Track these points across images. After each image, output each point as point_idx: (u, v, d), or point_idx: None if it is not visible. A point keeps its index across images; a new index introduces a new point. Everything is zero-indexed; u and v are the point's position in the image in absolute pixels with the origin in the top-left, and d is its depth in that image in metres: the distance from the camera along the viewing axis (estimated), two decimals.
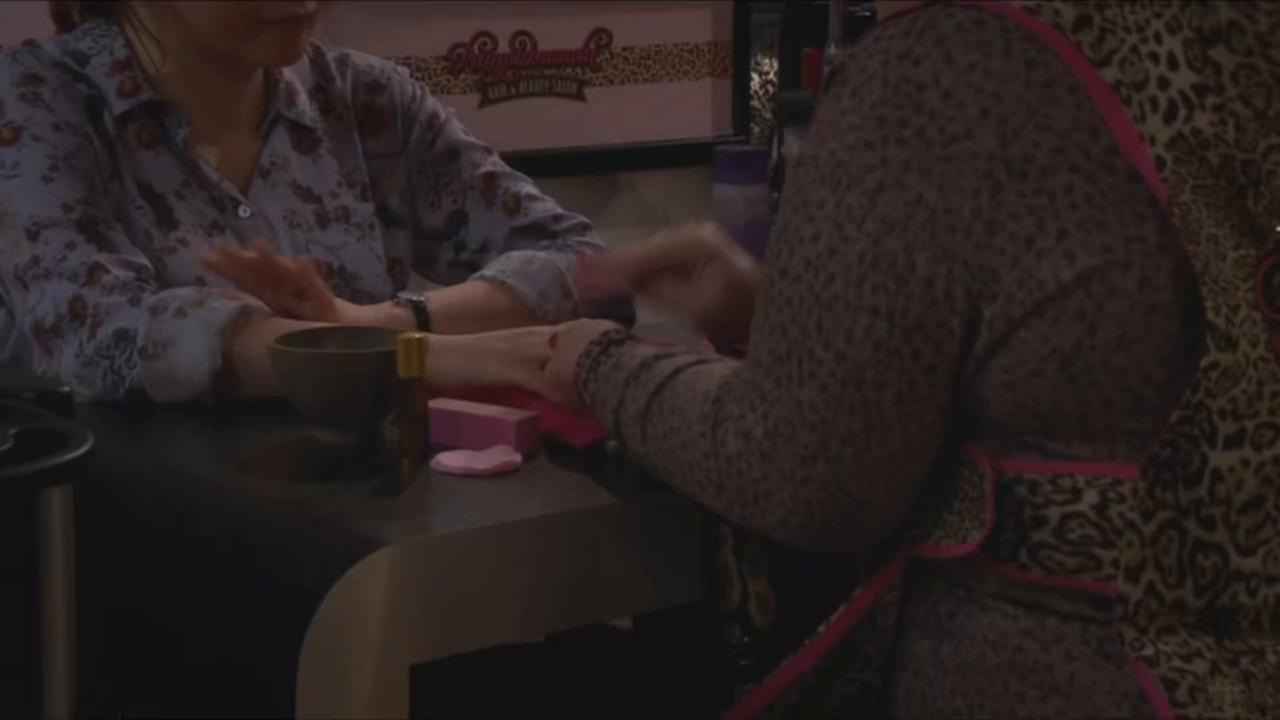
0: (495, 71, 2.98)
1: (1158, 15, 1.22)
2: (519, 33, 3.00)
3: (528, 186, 2.03)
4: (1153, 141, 1.19)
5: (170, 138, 1.88)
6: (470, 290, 1.89)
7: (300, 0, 1.83)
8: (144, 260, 1.78)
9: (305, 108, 1.97)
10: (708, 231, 1.73)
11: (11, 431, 1.19)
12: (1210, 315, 1.19)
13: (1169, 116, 1.20)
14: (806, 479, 1.25)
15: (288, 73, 1.97)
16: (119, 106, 1.85)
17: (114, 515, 1.48)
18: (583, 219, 2.02)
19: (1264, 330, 1.22)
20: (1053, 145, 1.18)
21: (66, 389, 1.33)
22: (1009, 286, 1.20)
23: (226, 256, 1.73)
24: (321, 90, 2.00)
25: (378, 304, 1.86)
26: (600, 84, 3.07)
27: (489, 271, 1.91)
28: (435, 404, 1.61)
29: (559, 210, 2.02)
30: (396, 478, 1.53)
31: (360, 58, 2.05)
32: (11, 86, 1.81)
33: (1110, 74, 1.19)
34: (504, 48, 2.97)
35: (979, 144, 1.18)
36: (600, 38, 3.05)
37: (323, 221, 1.94)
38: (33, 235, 1.75)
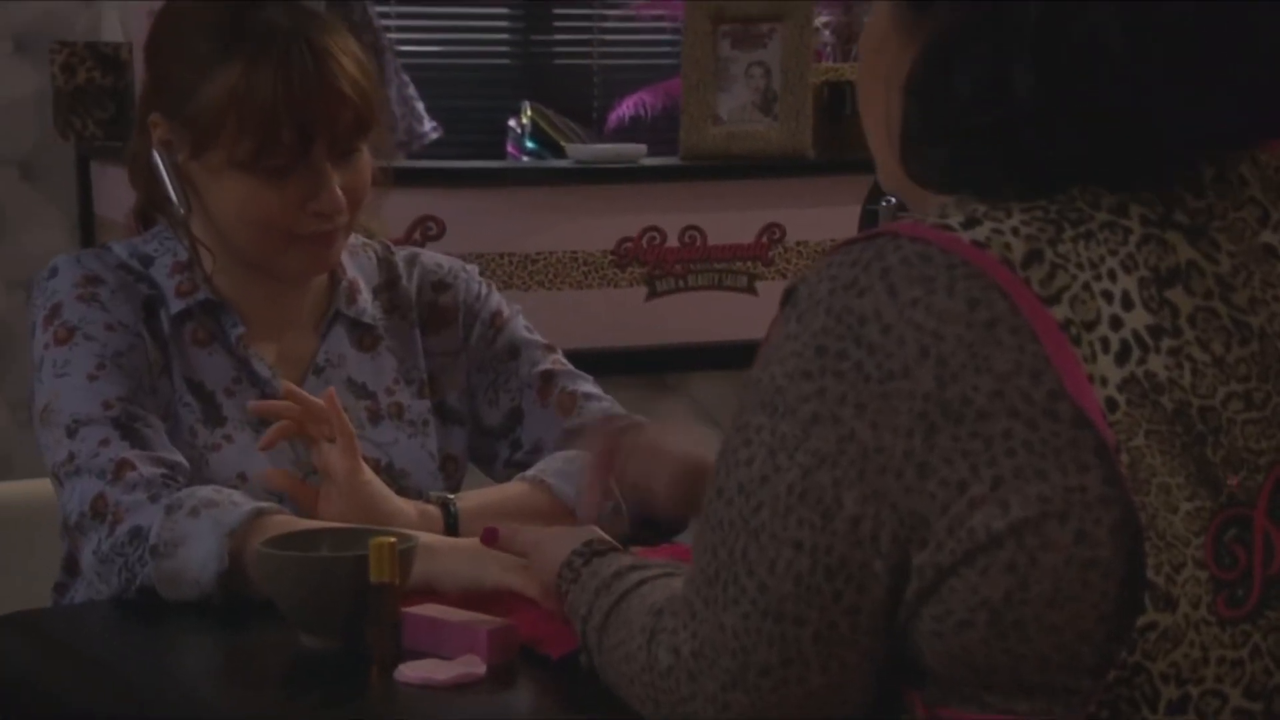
0: (663, 265, 2.97)
1: (1113, 253, 1.15)
2: (688, 227, 2.99)
3: (586, 385, 2.00)
4: (1104, 383, 1.11)
5: (225, 336, 1.90)
6: (510, 490, 1.87)
7: (331, 217, 1.85)
8: (178, 458, 1.79)
9: (367, 305, 1.98)
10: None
11: None
12: (1151, 574, 1.10)
13: (1121, 358, 1.12)
14: (727, 705, 1.20)
15: (351, 270, 1.98)
16: (176, 305, 1.88)
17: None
18: (639, 419, 1.98)
19: (1208, 591, 1.12)
20: (992, 389, 1.12)
21: None
22: (939, 534, 1.13)
23: (265, 404, 1.79)
24: (388, 288, 2.00)
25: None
26: (773, 278, 3.04)
27: (531, 471, 1.88)
28: (414, 610, 1.57)
29: (615, 410, 1.98)
30: (357, 686, 1.49)
31: (430, 257, 2.05)
32: (72, 288, 1.86)
33: (1060, 312, 1.12)
34: (673, 241, 2.96)
35: (916, 383, 1.13)
36: (773, 232, 3.02)
37: (374, 418, 1.94)
38: (71, 433, 1.78)
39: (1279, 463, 1.14)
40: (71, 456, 1.78)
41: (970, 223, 1.15)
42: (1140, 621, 1.10)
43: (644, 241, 2.92)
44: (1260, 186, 1.19)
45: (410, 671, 1.50)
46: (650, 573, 1.38)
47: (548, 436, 1.98)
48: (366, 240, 2.03)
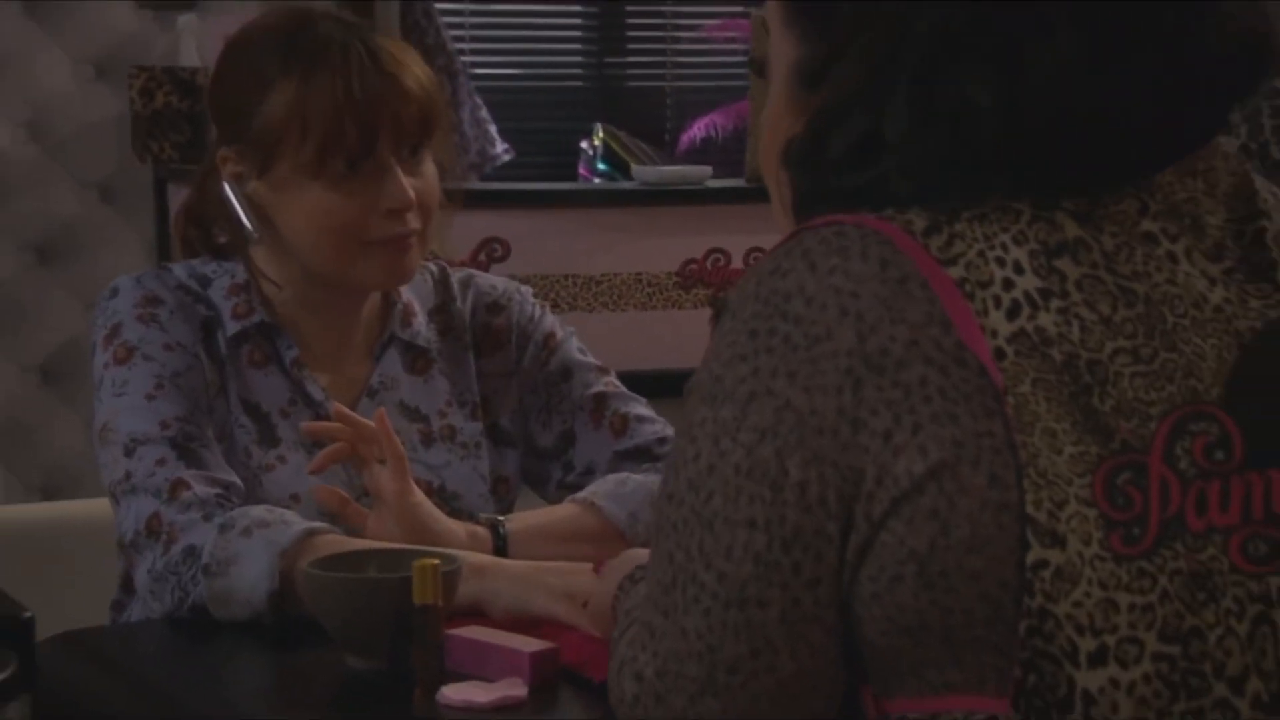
0: (729, 286, 2.98)
1: (1004, 230, 1.22)
2: (754, 249, 3.00)
3: (639, 408, 2.01)
4: (994, 335, 1.18)
5: (280, 358, 1.92)
6: (560, 512, 1.88)
7: (403, 216, 1.86)
8: (233, 478, 1.81)
9: (421, 328, 1.99)
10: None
11: None
12: (1031, 509, 1.15)
13: (1011, 314, 1.20)
14: (698, 716, 1.21)
15: (406, 293, 2.00)
16: (233, 327, 1.91)
17: None
18: None
19: (1098, 529, 1.16)
20: (907, 338, 1.18)
21: (29, 615, 1.35)
22: (870, 484, 1.18)
23: (315, 426, 1.81)
24: (442, 311, 2.02)
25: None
26: None
27: (581, 493, 1.89)
28: (457, 631, 1.58)
29: (667, 433, 1.99)
30: (401, 708, 1.50)
31: (484, 279, 2.07)
32: (132, 308, 1.89)
33: (955, 272, 1.20)
34: (738, 263, 2.97)
35: (839, 343, 1.19)
36: None
37: (427, 441, 1.95)
38: (129, 452, 1.81)
39: (1170, 413, 1.19)
40: (128, 475, 1.80)
41: (875, 211, 1.23)
42: (1030, 559, 1.14)
43: (709, 263, 2.93)
44: (1134, 185, 1.25)
45: (453, 693, 1.51)
46: None
47: (600, 458, 1.98)
48: (423, 262, 2.04)
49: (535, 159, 4.28)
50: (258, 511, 1.75)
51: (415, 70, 1.88)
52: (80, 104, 3.70)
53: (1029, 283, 1.20)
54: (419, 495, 1.80)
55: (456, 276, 2.05)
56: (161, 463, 1.80)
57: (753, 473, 1.19)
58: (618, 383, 2.04)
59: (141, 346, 1.86)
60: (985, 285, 1.20)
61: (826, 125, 1.26)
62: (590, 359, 2.04)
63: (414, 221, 1.88)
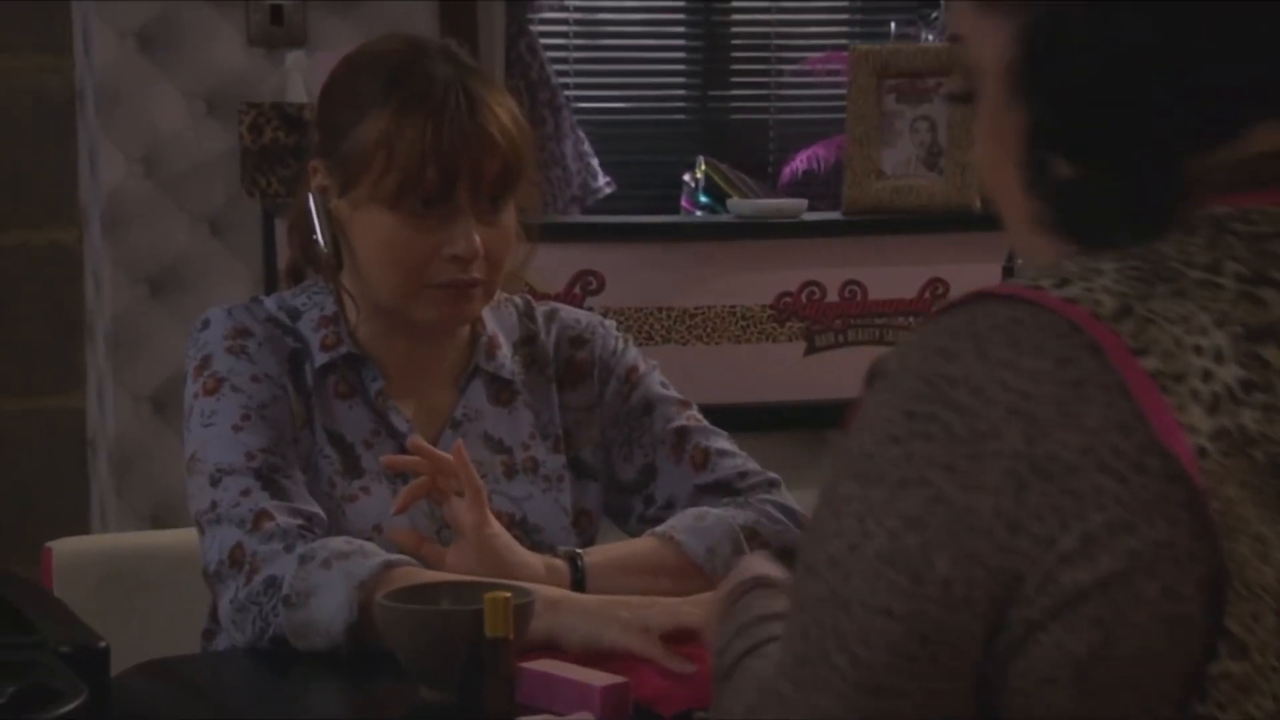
0: (823, 320, 2.99)
1: (1204, 309, 1.15)
2: (849, 282, 3.00)
3: (720, 442, 2.02)
4: (1194, 431, 1.11)
5: (365, 389, 1.96)
6: (638, 545, 1.90)
7: (466, 267, 1.89)
8: (315, 509, 1.85)
9: (506, 361, 2.02)
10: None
11: (10, 689, 1.25)
12: (1230, 623, 1.09)
13: (1212, 409, 1.12)
14: None
15: (491, 325, 2.03)
16: (320, 359, 1.95)
17: None
18: (771, 476, 2.00)
19: (1276, 637, 1.10)
20: (1081, 444, 1.11)
21: (103, 644, 1.39)
22: (1029, 590, 1.12)
23: (394, 460, 1.86)
24: (527, 343, 2.05)
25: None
26: None
27: (661, 527, 1.91)
28: (529, 664, 1.60)
29: (748, 467, 2.00)
30: None
31: (569, 312, 2.09)
32: (223, 339, 1.94)
33: (1149, 363, 1.12)
34: (833, 296, 2.97)
35: (1005, 442, 1.13)
36: (936, 287, 3.02)
37: (509, 473, 1.98)
38: (215, 482, 1.85)
39: None
40: (214, 505, 1.84)
41: (1062, 283, 1.16)
42: (1214, 670, 1.09)
43: (803, 296, 2.94)
44: None
45: None
46: (778, 627, 1.33)
47: (680, 492, 2.00)
48: (508, 296, 2.07)
49: (638, 192, 4.31)
50: (337, 543, 1.79)
51: (507, 123, 1.91)
52: (193, 140, 3.77)
53: (1230, 373, 1.13)
54: (496, 527, 1.82)
55: (541, 310, 2.08)
56: (246, 493, 1.84)
57: (895, 561, 1.14)
58: (700, 416, 2.05)
59: (230, 378, 1.91)
60: (1182, 378, 1.12)
61: (1049, 42, 1.18)
62: (673, 393, 2.06)
63: (477, 271, 1.91)
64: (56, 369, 3.91)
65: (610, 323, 2.09)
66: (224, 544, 1.82)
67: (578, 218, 3.75)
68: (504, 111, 1.91)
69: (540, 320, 2.07)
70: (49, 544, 2.20)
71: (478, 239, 1.89)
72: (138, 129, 3.75)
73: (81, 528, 3.79)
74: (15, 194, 3.83)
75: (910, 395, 1.17)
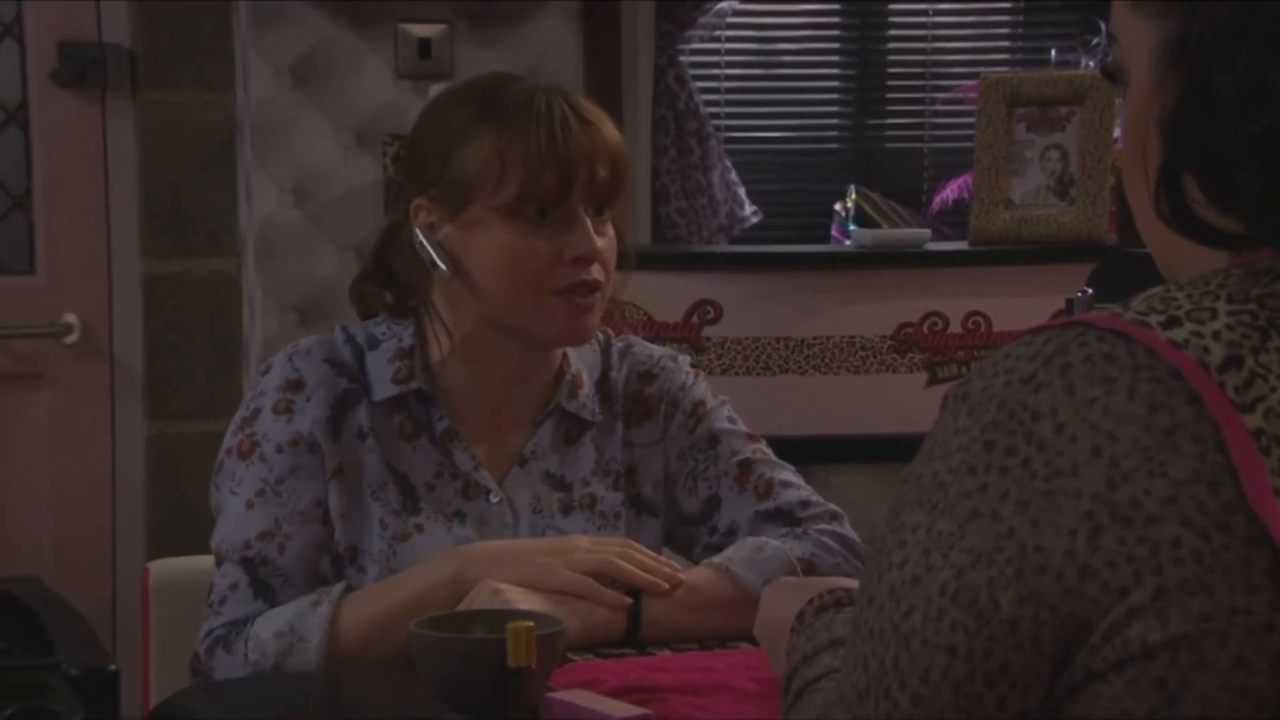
0: (945, 351, 2.95)
1: None
2: (972, 313, 2.96)
3: (784, 474, 2.02)
4: None
5: (432, 428, 1.97)
6: (693, 575, 1.89)
7: (587, 268, 1.90)
8: (301, 591, 1.89)
9: (587, 400, 2.03)
10: None
11: (9, 710, 1.29)
12: None
13: None
14: None
15: (575, 363, 2.03)
16: (388, 391, 1.95)
17: None
18: (833, 508, 1.98)
19: None
20: (1165, 494, 1.06)
21: (113, 668, 1.43)
22: (1095, 640, 1.08)
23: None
24: (605, 380, 2.05)
25: None
26: None
27: (717, 558, 1.90)
28: (556, 695, 1.61)
29: (811, 498, 1.99)
30: None
31: (643, 348, 2.09)
32: (276, 391, 1.95)
33: (1252, 420, 1.07)
34: (955, 327, 2.94)
35: (1084, 482, 1.08)
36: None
37: (566, 509, 1.99)
38: (218, 561, 1.92)
39: None
40: (212, 586, 1.91)
41: (1170, 322, 1.11)
42: None
43: (925, 327, 2.91)
44: None
45: None
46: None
47: (742, 518, 1.99)
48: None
49: (788, 220, 4.31)
50: (274, 646, 1.83)
51: (613, 130, 1.93)
52: (342, 171, 3.86)
53: None
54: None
55: (617, 345, 2.08)
56: (234, 588, 1.89)
57: (959, 597, 1.10)
58: (767, 450, 2.04)
59: (263, 444, 1.92)
60: None
61: (1208, 70, 1.13)
62: (740, 427, 2.05)
63: (597, 273, 1.92)
64: (217, 394, 4.01)
65: (684, 358, 2.09)
66: (210, 626, 1.89)
67: (698, 247, 3.75)
68: (606, 122, 1.94)
69: (615, 356, 2.07)
70: (148, 564, 2.25)
71: (596, 240, 1.91)
72: (289, 160, 3.84)
73: None
74: (180, 225, 3.94)
75: (990, 424, 1.12)
